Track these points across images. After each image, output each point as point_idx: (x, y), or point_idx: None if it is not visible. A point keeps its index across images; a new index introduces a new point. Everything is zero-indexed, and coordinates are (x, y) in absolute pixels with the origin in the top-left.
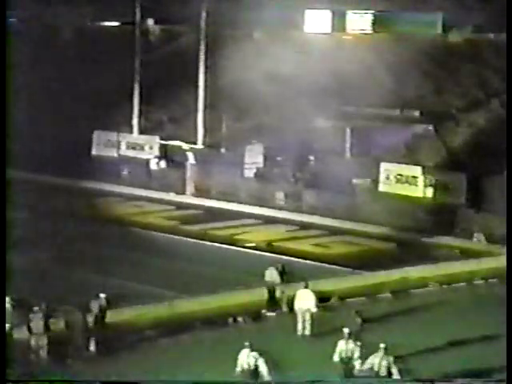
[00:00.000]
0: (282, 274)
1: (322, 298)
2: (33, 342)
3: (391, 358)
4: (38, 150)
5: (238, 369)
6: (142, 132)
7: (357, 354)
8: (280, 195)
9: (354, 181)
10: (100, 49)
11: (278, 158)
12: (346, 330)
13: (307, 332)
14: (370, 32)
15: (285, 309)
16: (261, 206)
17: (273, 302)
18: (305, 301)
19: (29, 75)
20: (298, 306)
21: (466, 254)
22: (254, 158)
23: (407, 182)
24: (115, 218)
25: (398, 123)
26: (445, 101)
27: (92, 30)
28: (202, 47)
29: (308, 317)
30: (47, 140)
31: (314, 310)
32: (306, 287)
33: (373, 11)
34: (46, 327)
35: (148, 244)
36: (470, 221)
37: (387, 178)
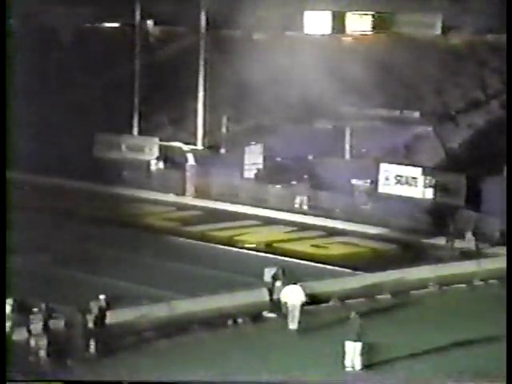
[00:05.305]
0: (281, 274)
1: (322, 300)
2: (32, 343)
3: None
4: (38, 151)
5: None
6: (141, 133)
7: None
8: (280, 196)
9: (354, 181)
10: (100, 50)
11: (278, 159)
12: None
13: (295, 327)
14: (370, 33)
15: (284, 310)
16: (260, 207)
17: (272, 303)
18: (294, 296)
19: (29, 76)
20: (290, 302)
21: (466, 255)
22: (253, 158)
23: (407, 182)
24: (115, 219)
25: (397, 124)
26: (444, 102)
27: (92, 31)
28: (202, 48)
29: (297, 312)
30: (47, 141)
31: (303, 300)
32: (295, 283)
33: (373, 12)
34: (46, 328)
35: (148, 245)
36: (470, 222)
37: (387, 178)
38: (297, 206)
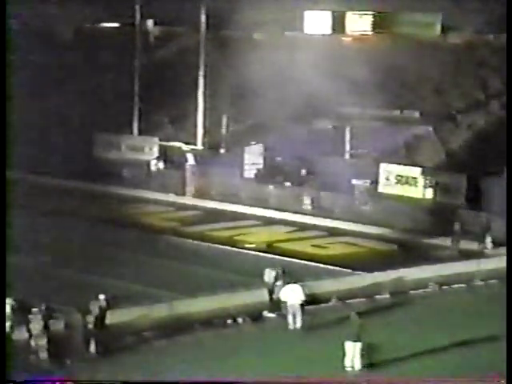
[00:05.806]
0: (281, 274)
1: (322, 300)
2: (32, 343)
3: None
4: (39, 151)
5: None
6: (141, 133)
7: None
8: (280, 196)
9: (354, 182)
10: (100, 50)
11: (278, 159)
12: None
13: (295, 326)
14: (370, 33)
15: (284, 310)
16: (260, 207)
17: (272, 303)
18: (294, 296)
19: (29, 76)
20: (290, 301)
21: (466, 255)
22: (253, 158)
23: (407, 182)
24: (115, 219)
25: (397, 124)
26: (444, 102)
27: (92, 31)
28: (202, 48)
29: (297, 312)
30: (48, 141)
31: (302, 299)
32: (295, 282)
33: (373, 12)
34: (46, 328)
35: (148, 245)
36: (470, 222)
37: (387, 178)
38: (307, 206)
